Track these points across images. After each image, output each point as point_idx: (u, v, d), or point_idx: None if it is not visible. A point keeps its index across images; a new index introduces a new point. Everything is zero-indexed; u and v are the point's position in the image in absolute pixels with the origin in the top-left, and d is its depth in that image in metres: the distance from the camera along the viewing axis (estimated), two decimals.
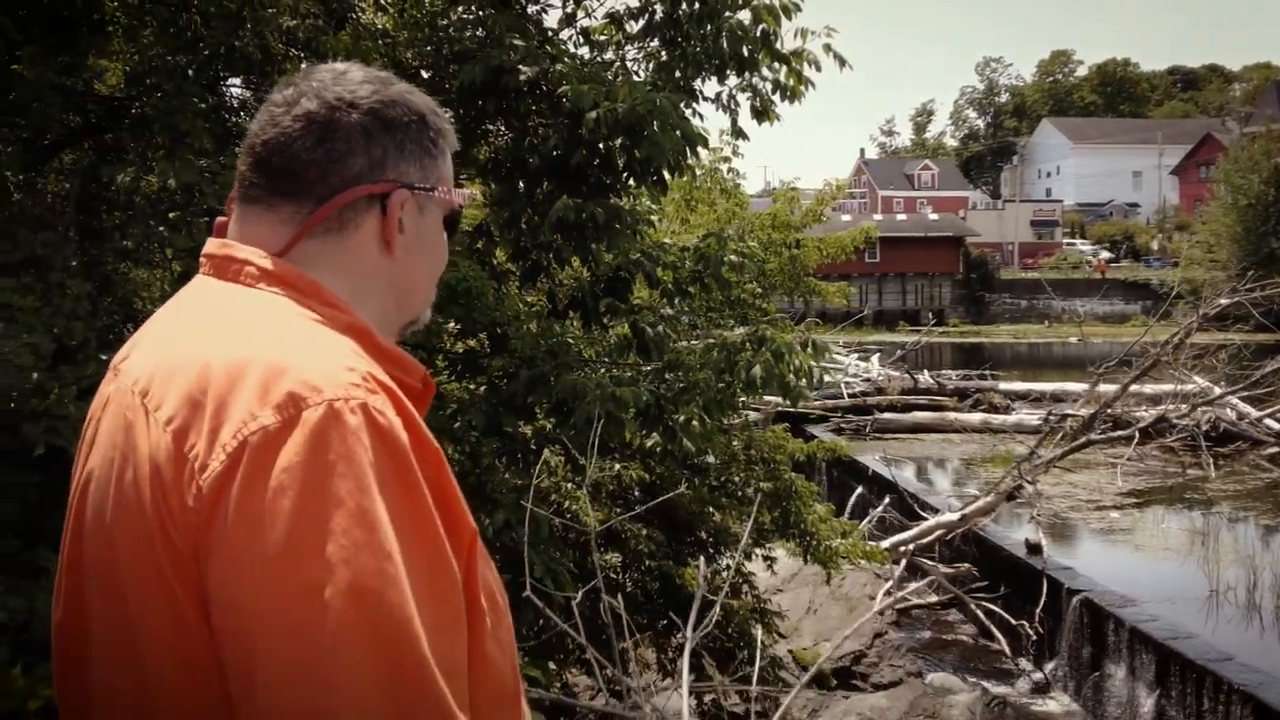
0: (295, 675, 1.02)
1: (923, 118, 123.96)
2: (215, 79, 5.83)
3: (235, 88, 6.19)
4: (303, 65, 5.72)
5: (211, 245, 1.34)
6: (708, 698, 7.65)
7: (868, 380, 25.84)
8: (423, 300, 1.42)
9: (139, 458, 1.14)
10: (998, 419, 21.91)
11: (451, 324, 5.86)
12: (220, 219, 1.39)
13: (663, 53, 5.92)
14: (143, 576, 1.11)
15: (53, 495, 4.36)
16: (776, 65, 5.96)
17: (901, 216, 69.25)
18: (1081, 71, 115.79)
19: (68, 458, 4.16)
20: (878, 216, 67.36)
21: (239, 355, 1.14)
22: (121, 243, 5.34)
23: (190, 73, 5.42)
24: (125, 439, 1.17)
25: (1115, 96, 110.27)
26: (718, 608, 4.45)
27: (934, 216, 66.62)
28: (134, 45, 5.65)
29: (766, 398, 16.40)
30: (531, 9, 6.16)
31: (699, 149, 5.65)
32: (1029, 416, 20.88)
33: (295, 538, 1.03)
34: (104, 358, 5.12)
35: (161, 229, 5.13)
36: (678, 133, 4.91)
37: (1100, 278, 60.68)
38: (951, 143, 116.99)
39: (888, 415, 23.46)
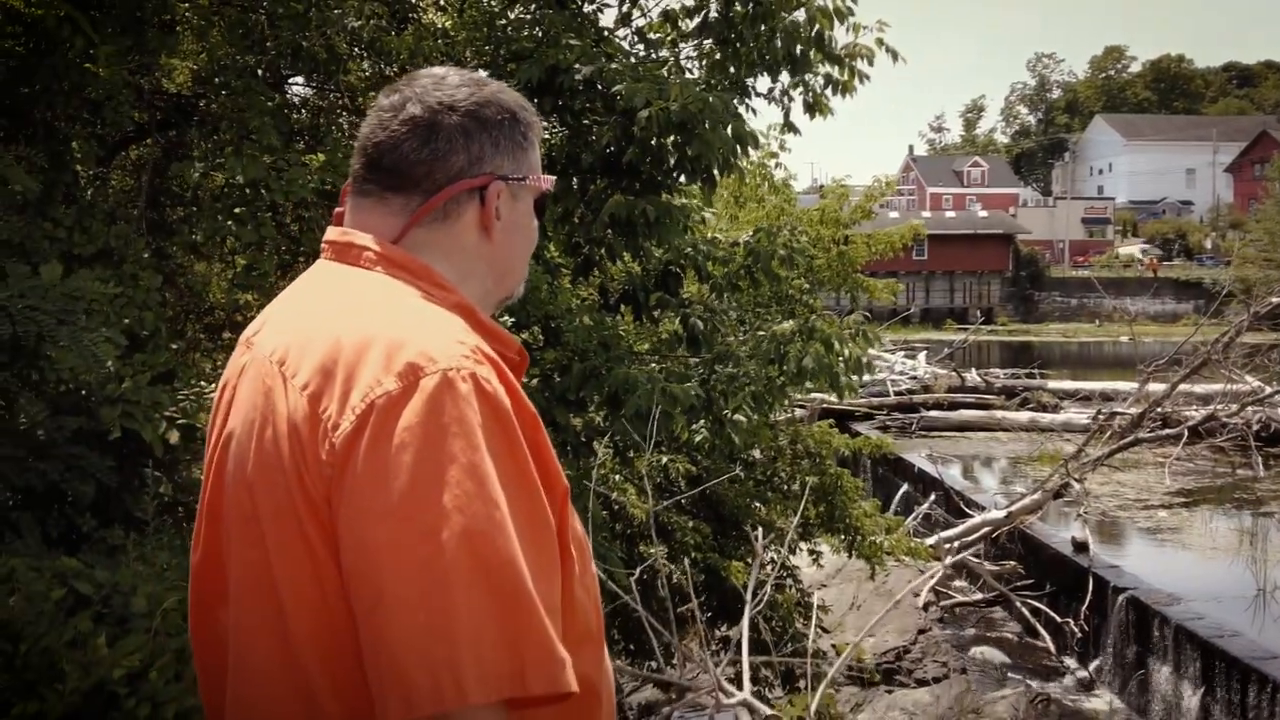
0: (417, 604, 1.17)
1: (973, 114, 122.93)
2: (281, 78, 6.01)
3: (299, 86, 6.37)
4: (365, 65, 5.89)
5: (333, 233, 1.51)
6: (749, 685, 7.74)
7: (914, 378, 25.75)
8: (518, 277, 1.59)
9: (278, 418, 1.30)
10: (1046, 418, 21.78)
11: (506, 317, 6.01)
12: (338, 210, 1.56)
13: (716, 52, 6.02)
14: (281, 522, 1.27)
15: (125, 479, 4.56)
16: (831, 64, 6.04)
17: (950, 214, 68.80)
18: (1135, 68, 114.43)
19: (140, 442, 4.34)
20: (926, 214, 66.99)
21: (365, 331, 1.30)
22: (189, 236, 5.52)
23: (258, 72, 5.59)
24: (265, 402, 1.33)
25: (1169, 93, 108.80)
26: (768, 590, 4.58)
27: (983, 214, 66.09)
28: (203, 45, 5.82)
29: (813, 394, 16.43)
30: (588, 8, 6.29)
31: (749, 147, 5.77)
32: (1078, 415, 20.73)
33: (415, 488, 1.18)
34: (174, 346, 5.33)
35: (229, 223, 5.30)
36: (728, 131, 5.01)
37: (1152, 276, 60.00)
38: (1002, 139, 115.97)
39: (934, 413, 23.39)
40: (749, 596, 4.45)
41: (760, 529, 7.20)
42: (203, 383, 4.89)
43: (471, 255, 1.51)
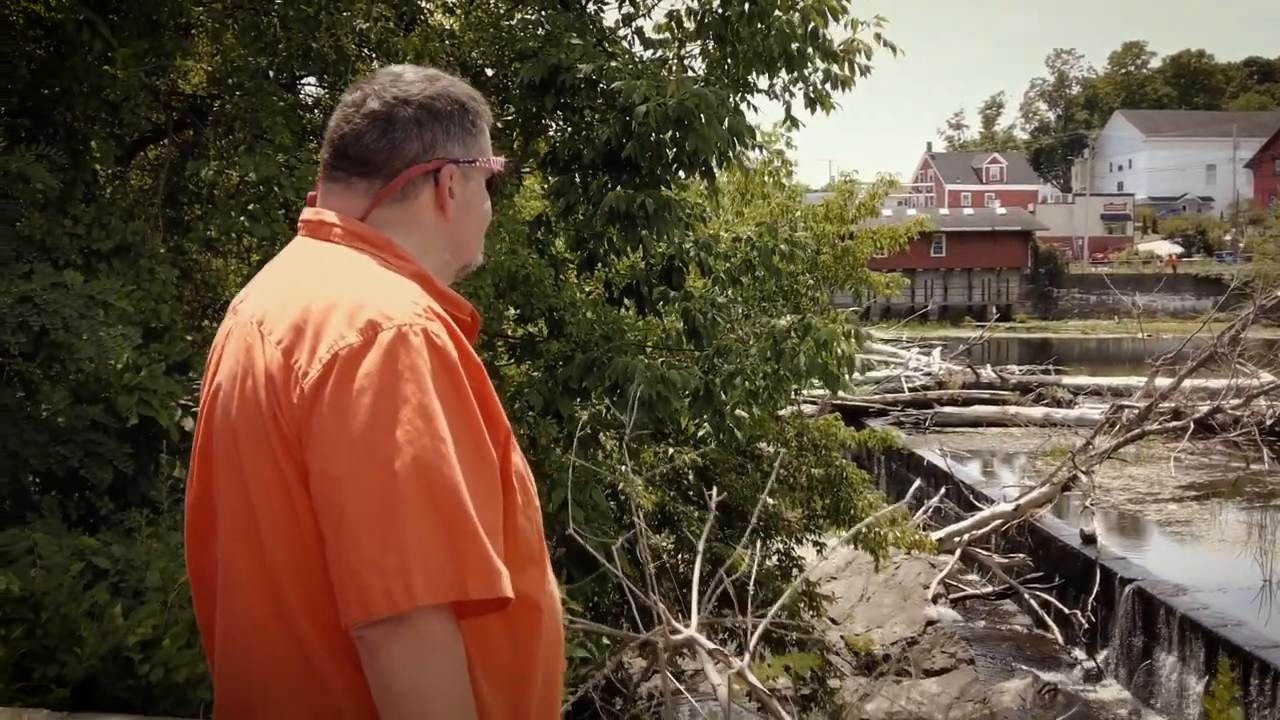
0: (374, 522, 1.38)
1: (992, 110, 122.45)
2: (293, 78, 6.18)
3: (311, 86, 6.55)
4: (375, 65, 6.07)
5: (307, 213, 1.73)
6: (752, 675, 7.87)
7: (928, 375, 25.78)
8: (474, 248, 1.79)
9: (256, 370, 1.51)
10: (1060, 413, 21.85)
11: (511, 310, 6.18)
12: (311, 194, 1.77)
13: (715, 50, 6.16)
14: (259, 457, 1.48)
15: (142, 465, 4.75)
16: (829, 61, 6.17)
17: (969, 211, 68.62)
18: (1155, 63, 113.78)
19: (156, 429, 4.53)
20: (944, 211, 66.77)
21: (331, 295, 1.52)
22: (205, 233, 5.70)
23: (270, 73, 5.76)
24: (246, 357, 1.55)
25: (1189, 89, 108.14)
26: (749, 567, 4.68)
27: (1002, 211, 65.85)
28: (217, 47, 6.00)
29: (819, 390, 16.48)
30: (591, 8, 6.45)
31: (749, 142, 5.91)
32: (1092, 411, 20.76)
33: (373, 424, 1.39)
34: (189, 338, 5.51)
35: (242, 219, 5.48)
36: (724, 125, 5.16)
37: (1172, 273, 59.73)
38: (1021, 136, 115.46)
39: (948, 409, 23.46)
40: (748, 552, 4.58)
41: (759, 538, 7.32)
42: None
43: (429, 231, 1.70)
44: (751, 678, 3.77)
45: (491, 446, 1.50)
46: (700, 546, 4.55)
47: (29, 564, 3.30)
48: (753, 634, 4.10)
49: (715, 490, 6.53)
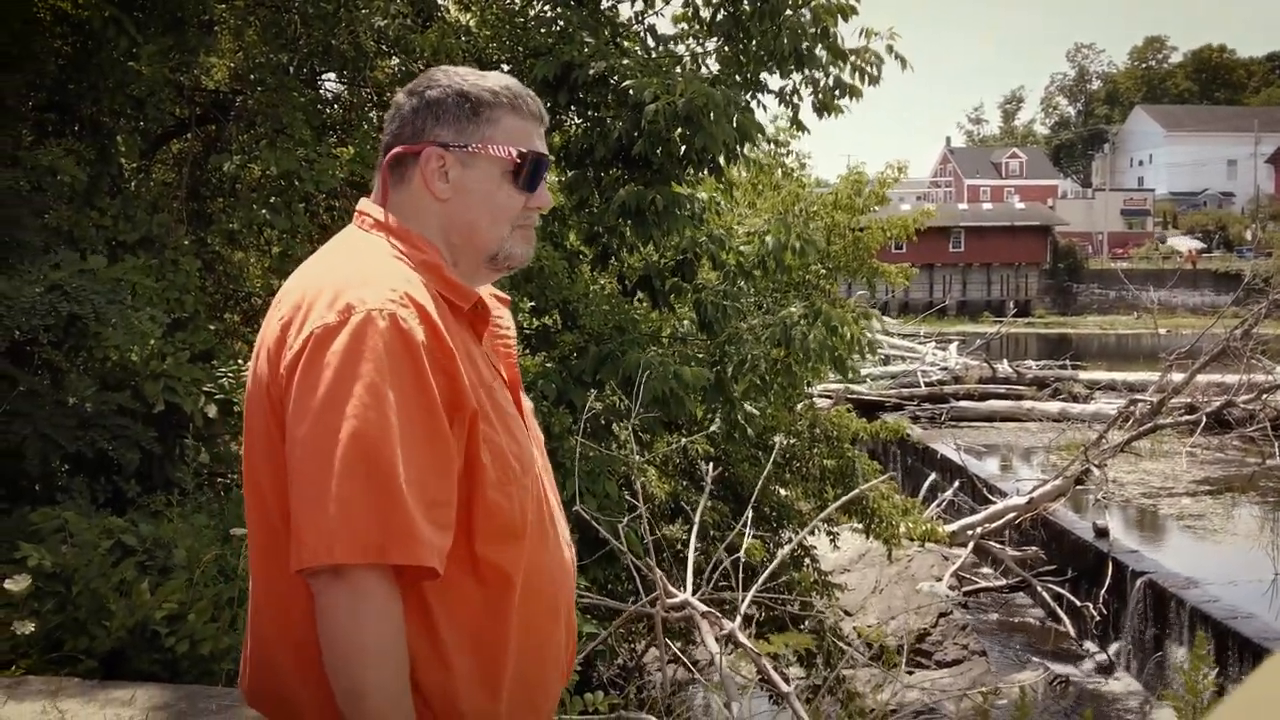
0: (313, 482, 1.56)
1: (1012, 105, 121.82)
2: (313, 74, 6.31)
3: (330, 82, 6.67)
4: (392, 61, 6.19)
5: (360, 203, 1.88)
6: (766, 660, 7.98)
7: (945, 369, 25.81)
8: (487, 236, 1.86)
9: (266, 341, 1.71)
10: (1076, 408, 21.85)
11: (526, 301, 6.30)
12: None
13: (726, 48, 6.26)
14: (257, 417, 1.69)
15: (167, 449, 4.89)
16: (839, 62, 6.27)
17: (988, 206, 68.37)
18: (1176, 58, 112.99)
19: (181, 415, 4.66)
20: (963, 206, 66.62)
21: (327, 278, 1.69)
22: (227, 226, 5.84)
23: (290, 69, 5.89)
24: (265, 329, 1.74)
25: (1211, 83, 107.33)
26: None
27: (1021, 206, 65.59)
28: (239, 43, 6.14)
29: (834, 385, 16.57)
30: (605, 4, 6.55)
31: (758, 138, 6.01)
32: (1108, 406, 20.73)
33: (329, 397, 1.57)
34: (211, 328, 5.66)
35: (263, 212, 5.62)
36: (732, 124, 5.27)
37: (1191, 269, 59.45)
38: (1042, 130, 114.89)
39: (964, 403, 23.50)
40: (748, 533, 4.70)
41: (772, 529, 7.42)
42: (239, 360, 5.22)
43: (429, 214, 1.82)
44: (742, 638, 3.90)
45: (447, 424, 1.64)
46: (696, 519, 4.70)
47: (60, 541, 3.44)
48: (744, 601, 4.23)
49: (721, 471, 6.63)
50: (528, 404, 1.98)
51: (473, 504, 1.68)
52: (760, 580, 4.45)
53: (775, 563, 4.79)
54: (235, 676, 2.85)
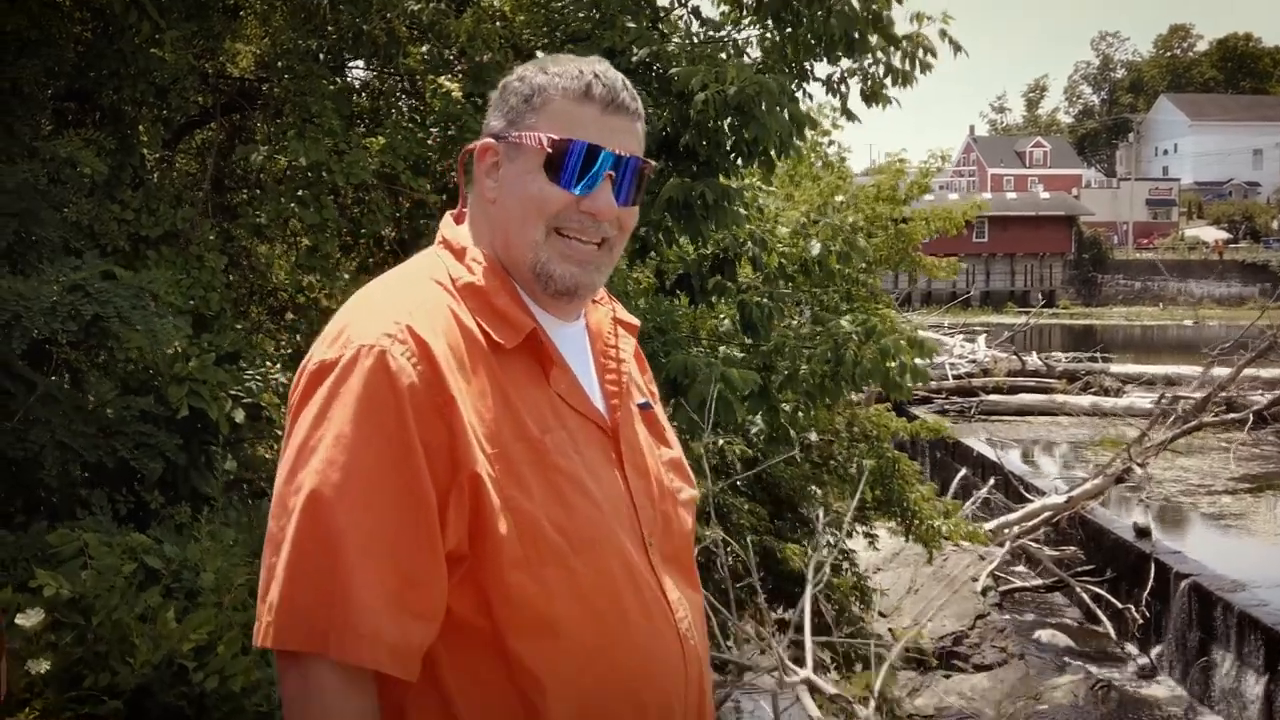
0: (269, 548, 1.39)
1: (1035, 93, 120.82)
2: (342, 61, 6.06)
3: (359, 70, 6.42)
4: (425, 48, 5.93)
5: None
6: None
7: (973, 362, 25.45)
8: (519, 241, 1.52)
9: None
10: (1108, 402, 21.49)
11: None
12: None
13: (773, 34, 5.98)
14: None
15: (192, 457, 4.65)
16: (890, 49, 5.98)
17: (1011, 195, 67.81)
18: (1201, 46, 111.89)
19: (206, 421, 4.40)
20: (986, 195, 65.93)
21: (352, 303, 1.50)
22: (253, 219, 5.59)
23: (319, 56, 5.64)
24: None
25: (1236, 72, 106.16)
26: (825, 572, 4.58)
27: (1045, 195, 65.06)
28: (266, 29, 5.89)
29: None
30: None
31: (807, 131, 5.73)
32: (1140, 400, 20.43)
33: (299, 448, 1.38)
34: (238, 327, 5.41)
35: (291, 205, 5.37)
36: (785, 114, 4.99)
37: (1218, 259, 58.89)
38: (1065, 119, 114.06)
39: (993, 397, 23.15)
40: (810, 574, 4.47)
41: (821, 510, 7.18)
42: (267, 363, 4.97)
43: (482, 221, 1.58)
44: (828, 686, 3.66)
45: (429, 483, 1.36)
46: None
47: (79, 565, 3.19)
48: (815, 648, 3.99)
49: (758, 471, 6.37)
50: (665, 455, 1.64)
51: (487, 587, 1.37)
52: (890, 655, 4.16)
53: (905, 640, 4.50)
54: (266, 716, 2.60)
